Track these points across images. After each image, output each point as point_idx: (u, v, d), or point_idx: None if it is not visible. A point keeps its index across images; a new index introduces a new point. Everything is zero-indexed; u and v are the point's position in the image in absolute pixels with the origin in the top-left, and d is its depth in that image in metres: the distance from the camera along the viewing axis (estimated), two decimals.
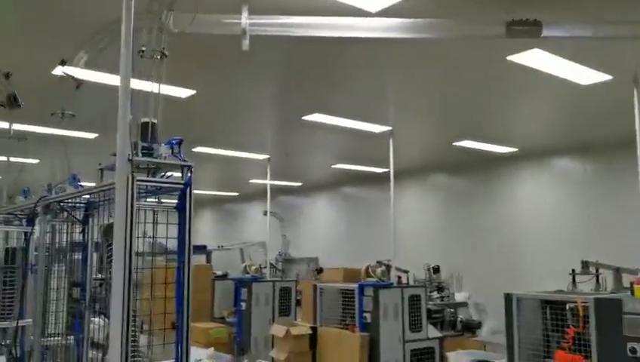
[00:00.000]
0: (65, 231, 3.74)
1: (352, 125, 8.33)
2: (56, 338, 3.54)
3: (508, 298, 5.49)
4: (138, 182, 2.56)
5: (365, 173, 12.93)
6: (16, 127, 6.23)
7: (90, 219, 3.59)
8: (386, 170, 12.27)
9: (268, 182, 11.32)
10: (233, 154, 10.56)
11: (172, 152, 2.75)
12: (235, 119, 8.27)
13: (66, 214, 3.60)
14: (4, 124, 5.94)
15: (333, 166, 12.17)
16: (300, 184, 15.10)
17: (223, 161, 11.46)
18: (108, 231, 3.29)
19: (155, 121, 2.75)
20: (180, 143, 2.85)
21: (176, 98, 6.74)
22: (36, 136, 7.75)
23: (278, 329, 8.58)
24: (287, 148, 10.30)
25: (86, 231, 3.59)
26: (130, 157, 2.52)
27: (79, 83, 3.58)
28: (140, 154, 2.65)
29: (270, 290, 10.22)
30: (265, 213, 14.10)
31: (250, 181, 13.97)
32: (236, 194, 16.98)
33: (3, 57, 5.11)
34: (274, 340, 8.76)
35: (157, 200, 3.13)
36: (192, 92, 6.64)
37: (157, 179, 2.79)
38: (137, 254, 2.67)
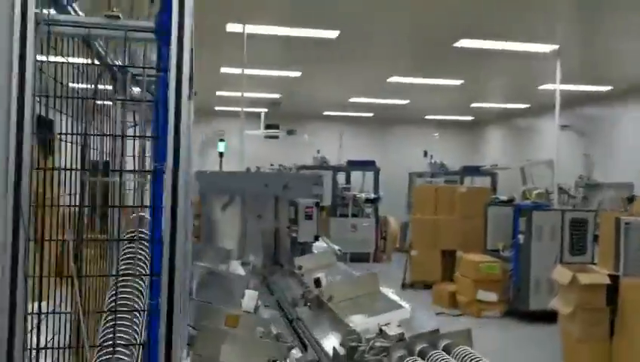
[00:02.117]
0: None
1: None
2: None
3: None
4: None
5: None
6: None
7: None
8: None
9: (557, 86, 8.74)
10: (508, 46, 8.27)
11: None
12: None
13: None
14: None
15: None
16: (608, 88, 11.79)
17: (502, 59, 9.23)
18: None
19: None
20: None
21: None
22: None
23: (561, 274, 6.49)
24: (585, 32, 7.58)
25: None
26: None
27: None
28: None
29: (558, 221, 8.07)
30: (562, 128, 11.46)
31: (540, 87, 11.35)
32: (527, 106, 14.37)
33: None
34: (557, 286, 6.73)
35: None
36: None
37: None
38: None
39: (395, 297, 3.56)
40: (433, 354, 2.23)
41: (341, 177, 14.11)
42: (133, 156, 1.41)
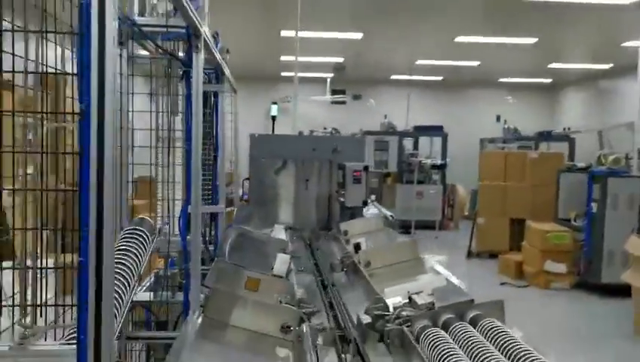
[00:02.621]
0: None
1: None
2: None
3: None
4: None
5: None
6: None
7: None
8: None
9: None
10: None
11: None
12: None
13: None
14: None
15: None
16: None
17: (579, 13, 8.54)
18: None
19: None
20: None
21: None
22: None
23: (635, 245, 6.06)
24: None
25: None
26: None
27: None
28: None
29: (637, 189, 7.53)
30: None
31: (623, 45, 10.46)
32: (609, 66, 13.34)
33: None
34: (631, 258, 6.28)
35: None
36: None
37: None
38: None
39: (436, 265, 3.38)
40: (456, 326, 2.05)
41: (409, 143, 13.80)
42: (72, 98, 1.31)
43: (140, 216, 1.98)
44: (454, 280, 2.85)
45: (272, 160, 5.28)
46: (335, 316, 2.82)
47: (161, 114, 2.49)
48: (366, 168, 4.87)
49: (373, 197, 11.27)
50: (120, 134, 2.28)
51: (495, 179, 10.23)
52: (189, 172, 2.15)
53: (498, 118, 15.01)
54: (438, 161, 12.53)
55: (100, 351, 1.00)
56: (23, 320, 1.34)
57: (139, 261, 1.87)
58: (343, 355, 2.26)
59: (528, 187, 9.77)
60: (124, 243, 1.97)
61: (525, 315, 6.81)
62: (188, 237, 2.24)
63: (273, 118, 7.94)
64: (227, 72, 3.46)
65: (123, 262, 1.80)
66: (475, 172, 12.91)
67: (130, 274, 1.72)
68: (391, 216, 5.30)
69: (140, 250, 1.89)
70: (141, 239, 1.99)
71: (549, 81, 16.23)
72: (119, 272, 1.61)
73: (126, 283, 1.60)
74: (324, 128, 9.35)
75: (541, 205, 9.19)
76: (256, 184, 5.39)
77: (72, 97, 2.30)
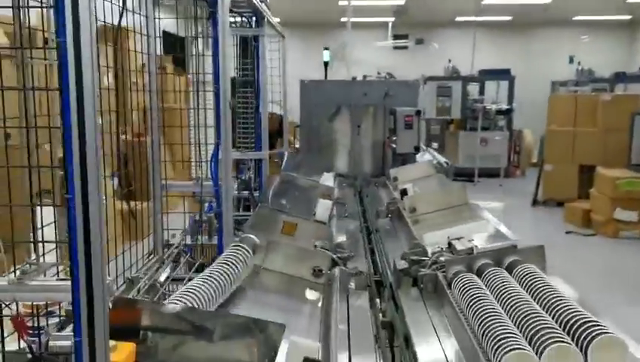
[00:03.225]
0: None
1: None
2: None
3: None
4: None
5: None
6: None
7: None
8: None
9: None
10: None
11: None
12: None
13: None
14: None
15: None
16: None
17: None
18: None
19: None
20: None
21: None
22: None
23: None
24: None
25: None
26: None
27: None
28: None
29: None
30: None
31: None
32: None
33: None
34: None
35: None
36: None
37: None
38: None
39: (483, 211, 3.26)
40: (490, 272, 1.97)
41: (475, 89, 13.29)
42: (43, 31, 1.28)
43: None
44: (502, 227, 2.73)
45: (323, 106, 5.20)
46: (374, 261, 2.79)
47: (191, 57, 2.48)
48: (418, 113, 4.72)
49: (435, 144, 10.98)
50: (150, 80, 2.29)
51: (564, 124, 9.74)
52: (218, 115, 2.13)
53: (571, 60, 14.18)
54: (504, 107, 12.02)
55: (92, 286, 1.01)
56: (39, 259, 1.39)
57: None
58: (375, 299, 2.24)
59: (599, 132, 9.25)
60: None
61: (591, 264, 6.58)
62: (220, 181, 2.24)
63: (325, 63, 7.81)
64: (268, 15, 3.38)
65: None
66: (545, 117, 12.36)
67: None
68: (445, 162, 5.15)
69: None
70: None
71: (627, 17, 15.08)
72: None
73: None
74: (378, 73, 9.10)
75: (613, 151, 8.71)
76: (307, 131, 5.35)
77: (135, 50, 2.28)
